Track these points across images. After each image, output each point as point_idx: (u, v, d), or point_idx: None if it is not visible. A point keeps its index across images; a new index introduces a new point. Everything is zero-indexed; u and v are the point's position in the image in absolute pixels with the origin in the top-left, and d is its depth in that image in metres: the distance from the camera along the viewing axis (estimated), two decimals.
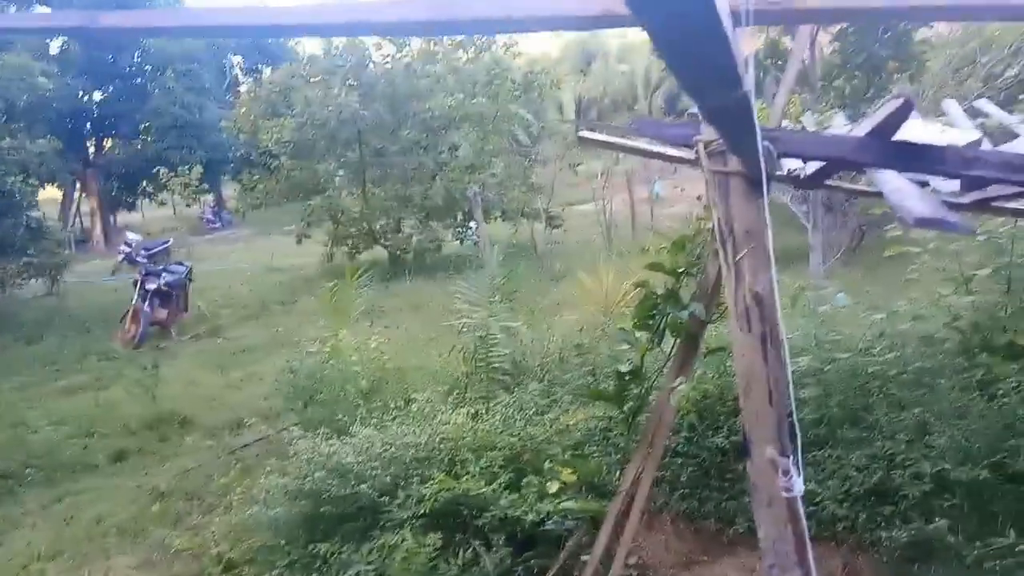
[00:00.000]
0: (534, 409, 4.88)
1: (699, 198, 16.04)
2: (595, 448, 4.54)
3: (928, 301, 4.75)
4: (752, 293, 1.76)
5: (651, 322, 3.49)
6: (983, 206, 2.68)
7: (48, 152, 13.94)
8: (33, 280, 13.96)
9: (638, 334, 3.54)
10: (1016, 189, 2.39)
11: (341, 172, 15.29)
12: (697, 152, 1.83)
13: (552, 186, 16.11)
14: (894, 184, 2.38)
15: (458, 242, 16.11)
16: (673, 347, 3.41)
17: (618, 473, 4.31)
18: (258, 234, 26.43)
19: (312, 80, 15.38)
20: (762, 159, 1.50)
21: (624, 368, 3.66)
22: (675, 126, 2.08)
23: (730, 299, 1.82)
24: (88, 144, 29.81)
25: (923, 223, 2.00)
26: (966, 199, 2.58)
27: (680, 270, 3.43)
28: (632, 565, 3.88)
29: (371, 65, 15.29)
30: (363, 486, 4.03)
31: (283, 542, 4.05)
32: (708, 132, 1.82)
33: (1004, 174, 1.68)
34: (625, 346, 5.71)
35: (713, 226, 1.86)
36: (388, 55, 15.89)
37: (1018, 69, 9.72)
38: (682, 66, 1.09)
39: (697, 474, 4.54)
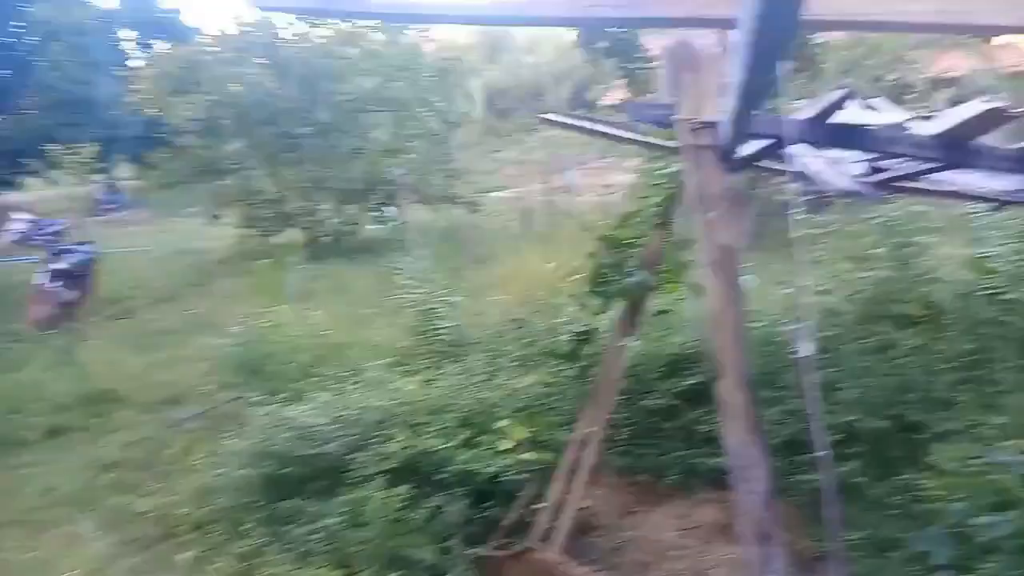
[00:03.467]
0: (482, 376, 5.21)
1: (607, 186, 16.72)
2: (541, 409, 4.92)
3: (831, 278, 5.38)
4: (720, 246, 2.17)
5: (601, 289, 3.89)
6: (885, 186, 3.21)
7: None
8: None
9: (590, 299, 3.94)
10: (913, 170, 2.91)
11: (253, 152, 14.99)
12: (678, 128, 2.20)
13: (468, 173, 16.38)
14: (815, 164, 2.86)
15: (375, 225, 16.11)
16: (623, 311, 3.82)
17: (562, 430, 4.71)
18: (157, 216, 25.30)
19: (222, 57, 14.98)
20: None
21: (579, 329, 4.04)
22: (656, 107, 2.46)
23: (702, 251, 2.21)
24: None
25: (845, 194, 2.47)
26: (873, 179, 3.10)
27: (626, 242, 3.84)
28: (583, 509, 4.29)
29: (282, 44, 15.00)
30: (329, 446, 4.26)
31: (251, 500, 4.22)
32: (686, 112, 2.21)
33: (916, 151, 2.14)
34: (561, 319, 6.13)
35: (687, 192, 2.25)
36: (300, 33, 15.64)
37: (899, 74, 10.79)
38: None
39: (631, 433, 4.99)
